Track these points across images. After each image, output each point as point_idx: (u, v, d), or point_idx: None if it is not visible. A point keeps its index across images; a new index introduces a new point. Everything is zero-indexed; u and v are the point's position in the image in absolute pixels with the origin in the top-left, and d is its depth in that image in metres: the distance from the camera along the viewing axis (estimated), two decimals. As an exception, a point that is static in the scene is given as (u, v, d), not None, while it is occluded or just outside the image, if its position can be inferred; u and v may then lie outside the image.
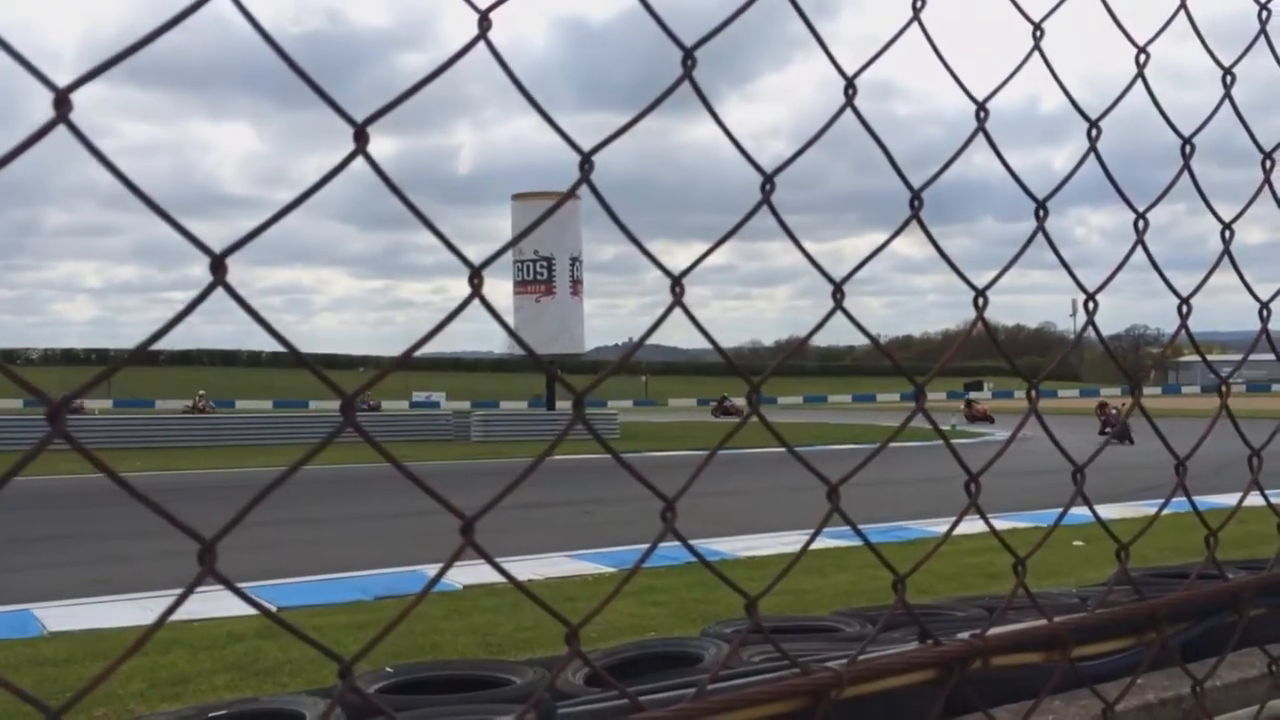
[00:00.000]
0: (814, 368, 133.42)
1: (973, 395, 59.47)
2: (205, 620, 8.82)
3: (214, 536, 0.78)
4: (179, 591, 0.83)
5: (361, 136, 0.85)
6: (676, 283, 0.99)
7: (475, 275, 0.85)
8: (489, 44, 0.96)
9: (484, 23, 0.96)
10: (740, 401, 1.11)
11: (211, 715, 4.09)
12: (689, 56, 0.95)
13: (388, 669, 4.58)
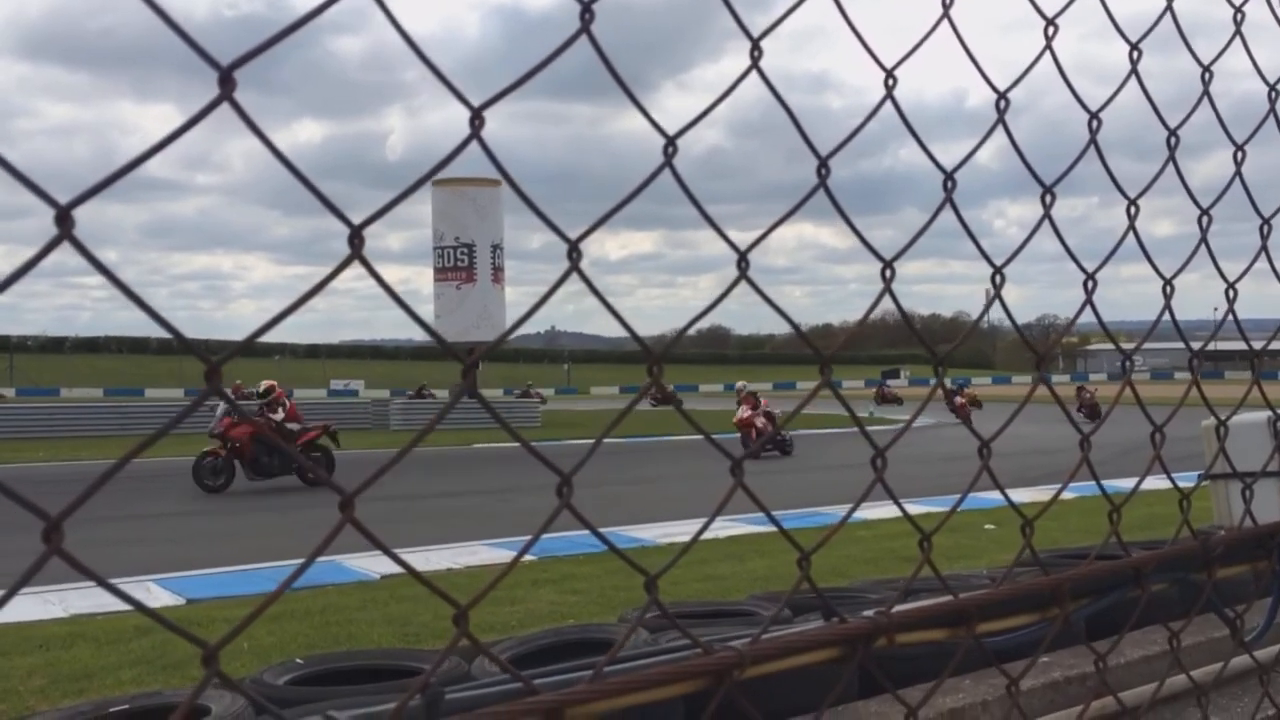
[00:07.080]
0: (734, 356, 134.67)
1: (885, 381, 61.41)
2: (110, 614, 8.55)
3: (60, 514, 0.73)
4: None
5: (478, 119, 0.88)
6: (574, 248, 0.96)
7: (355, 235, 0.80)
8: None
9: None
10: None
11: (112, 710, 3.95)
12: (586, 10, 0.92)
13: (298, 660, 4.48)
